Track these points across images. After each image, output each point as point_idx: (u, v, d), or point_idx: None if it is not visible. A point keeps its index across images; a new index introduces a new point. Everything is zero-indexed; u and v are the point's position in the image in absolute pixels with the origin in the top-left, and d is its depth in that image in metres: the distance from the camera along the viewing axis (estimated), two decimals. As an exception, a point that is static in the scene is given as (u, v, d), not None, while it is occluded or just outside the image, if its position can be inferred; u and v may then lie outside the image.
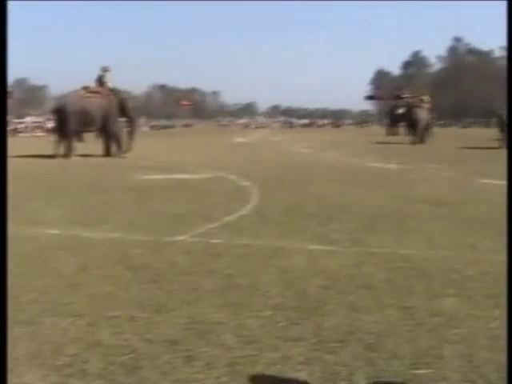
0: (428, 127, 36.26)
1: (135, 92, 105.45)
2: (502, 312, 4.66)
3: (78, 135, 25.78)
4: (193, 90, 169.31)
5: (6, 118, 5.43)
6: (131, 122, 25.07)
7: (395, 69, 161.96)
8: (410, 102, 42.93)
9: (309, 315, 4.61)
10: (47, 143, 26.12)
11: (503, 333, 4.22)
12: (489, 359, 3.79)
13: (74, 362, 3.77)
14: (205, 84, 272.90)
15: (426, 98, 39.67)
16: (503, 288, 5.31)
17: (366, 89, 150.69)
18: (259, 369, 3.67)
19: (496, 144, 29.85)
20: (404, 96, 50.58)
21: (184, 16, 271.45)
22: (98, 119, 23.26)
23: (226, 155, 23.70)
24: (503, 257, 6.38)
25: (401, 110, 45.82)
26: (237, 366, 3.70)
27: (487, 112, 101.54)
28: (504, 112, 30.58)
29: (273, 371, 3.64)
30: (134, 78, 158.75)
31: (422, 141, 34.22)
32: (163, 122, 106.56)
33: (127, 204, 10.34)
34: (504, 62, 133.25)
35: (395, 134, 47.49)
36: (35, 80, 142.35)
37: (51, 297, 5.11)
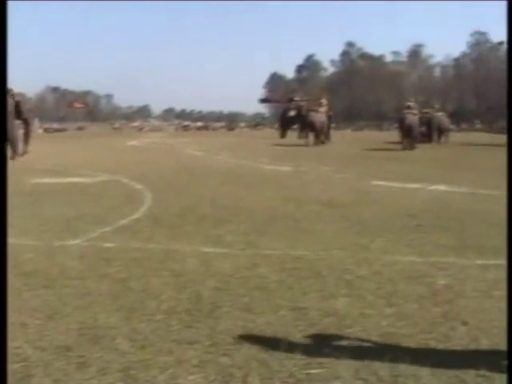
0: (324, 129, 36.57)
1: (28, 94, 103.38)
2: (393, 310, 4.80)
3: (-28, 138, 24.95)
4: (86, 93, 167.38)
5: (5, 117, 5.28)
6: (26, 125, 24.42)
7: (289, 72, 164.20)
8: (301, 105, 43.35)
9: (203, 318, 4.62)
10: None
11: (394, 330, 4.34)
12: (380, 356, 3.88)
13: (-39, 372, 3.68)
14: (98, 87, 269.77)
15: (323, 100, 40.03)
16: (394, 287, 5.46)
17: (261, 92, 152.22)
18: (153, 373, 3.66)
19: (389, 146, 30.50)
20: (296, 99, 50.88)
21: (76, 17, 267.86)
22: None
23: (120, 158, 23.42)
24: (394, 257, 6.58)
25: (292, 113, 46.14)
26: (130, 371, 3.68)
27: (379, 115, 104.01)
28: (406, 115, 31.23)
29: (167, 375, 3.64)
30: (26, 80, 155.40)
31: (316, 143, 34.54)
32: (56, 125, 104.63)
33: (19, 208, 10.08)
34: (395, 67, 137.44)
35: (286, 136, 47.69)
36: None
37: None
